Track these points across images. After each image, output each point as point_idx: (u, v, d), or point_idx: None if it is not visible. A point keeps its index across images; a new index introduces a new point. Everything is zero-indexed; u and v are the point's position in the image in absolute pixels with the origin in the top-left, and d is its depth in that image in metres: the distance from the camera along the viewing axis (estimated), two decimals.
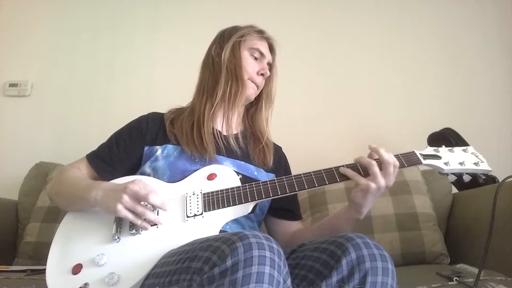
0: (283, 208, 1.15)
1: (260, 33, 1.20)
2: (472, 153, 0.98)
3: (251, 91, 1.16)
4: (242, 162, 1.11)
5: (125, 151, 1.09)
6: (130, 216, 0.87)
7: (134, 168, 1.10)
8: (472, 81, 2.00)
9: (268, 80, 1.22)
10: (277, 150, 1.24)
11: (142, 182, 0.90)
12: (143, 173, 1.06)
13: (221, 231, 0.91)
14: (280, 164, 1.21)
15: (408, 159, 0.94)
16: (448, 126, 1.65)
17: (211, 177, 1.00)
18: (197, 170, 1.02)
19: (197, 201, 0.94)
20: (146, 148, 1.10)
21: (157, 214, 0.91)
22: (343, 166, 0.93)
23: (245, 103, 1.19)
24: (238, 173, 1.03)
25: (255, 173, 1.11)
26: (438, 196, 1.55)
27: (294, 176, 0.95)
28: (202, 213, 0.92)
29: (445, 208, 1.54)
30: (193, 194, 0.96)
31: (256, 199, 0.93)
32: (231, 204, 0.93)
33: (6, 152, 2.10)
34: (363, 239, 0.76)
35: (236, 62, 1.13)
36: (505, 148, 1.88)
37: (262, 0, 2.18)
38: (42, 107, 2.16)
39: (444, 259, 1.41)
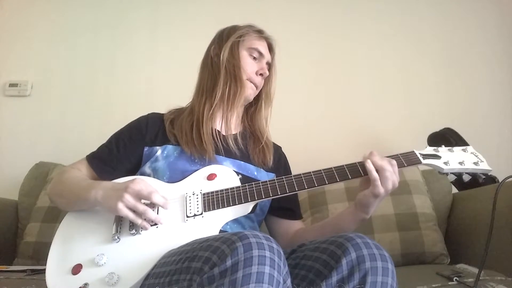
0: (283, 207, 1.15)
1: (259, 32, 1.19)
2: (471, 153, 0.99)
3: (249, 92, 1.15)
4: (242, 162, 1.10)
5: (125, 151, 1.09)
6: (130, 215, 0.87)
7: (134, 169, 1.10)
8: (472, 81, 2.00)
9: (268, 80, 1.21)
10: (277, 149, 1.24)
11: (143, 181, 0.90)
12: (143, 174, 1.06)
13: (221, 231, 0.91)
14: (280, 164, 1.21)
15: (407, 159, 0.94)
16: (448, 126, 1.65)
17: (211, 177, 1.00)
18: (197, 170, 1.02)
19: (197, 201, 0.94)
20: (146, 148, 1.10)
21: (157, 214, 0.91)
22: (344, 165, 0.93)
23: (244, 104, 1.18)
24: (238, 173, 1.03)
25: (255, 173, 1.11)
26: (438, 196, 1.55)
27: (294, 176, 0.95)
28: (202, 213, 0.92)
29: (445, 208, 1.54)
30: (193, 194, 0.96)
31: (256, 199, 0.93)
32: (231, 204, 0.93)
33: (6, 152, 2.10)
34: (363, 239, 0.76)
35: (234, 62, 1.13)
36: (505, 148, 1.88)
37: (262, 0, 2.18)
38: (42, 107, 2.16)
39: (444, 259, 1.41)
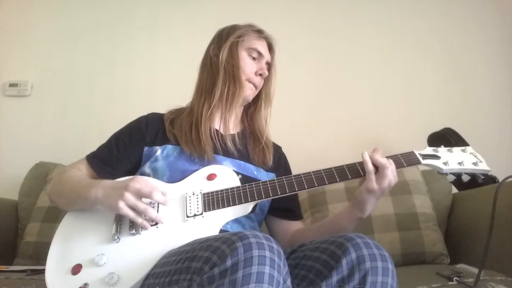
0: (283, 208, 1.15)
1: (259, 32, 1.19)
2: (471, 153, 0.99)
3: (248, 92, 1.15)
4: (242, 162, 1.10)
5: (124, 151, 1.09)
6: (131, 213, 0.86)
7: (134, 169, 1.10)
8: (472, 81, 2.00)
9: (267, 80, 1.21)
10: (277, 149, 1.24)
11: (143, 180, 0.90)
12: (143, 174, 1.06)
13: (221, 231, 0.91)
14: (280, 164, 1.21)
15: (407, 159, 0.94)
16: (448, 126, 1.65)
17: (211, 177, 0.99)
18: (197, 170, 1.02)
19: (197, 201, 0.94)
20: (145, 148, 1.10)
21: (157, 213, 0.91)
22: (343, 166, 0.93)
23: (243, 104, 1.18)
24: (238, 173, 1.03)
25: (255, 172, 1.11)
26: (438, 196, 1.55)
27: (294, 176, 0.95)
28: (202, 213, 0.92)
29: (445, 208, 1.54)
30: (193, 194, 0.96)
31: (256, 199, 0.93)
32: (231, 204, 0.93)
33: (6, 152, 2.10)
34: (363, 239, 0.76)
35: (233, 62, 1.12)
36: (505, 148, 1.89)
37: (262, 1, 2.18)
38: (42, 107, 2.16)
39: (444, 259, 1.41)
